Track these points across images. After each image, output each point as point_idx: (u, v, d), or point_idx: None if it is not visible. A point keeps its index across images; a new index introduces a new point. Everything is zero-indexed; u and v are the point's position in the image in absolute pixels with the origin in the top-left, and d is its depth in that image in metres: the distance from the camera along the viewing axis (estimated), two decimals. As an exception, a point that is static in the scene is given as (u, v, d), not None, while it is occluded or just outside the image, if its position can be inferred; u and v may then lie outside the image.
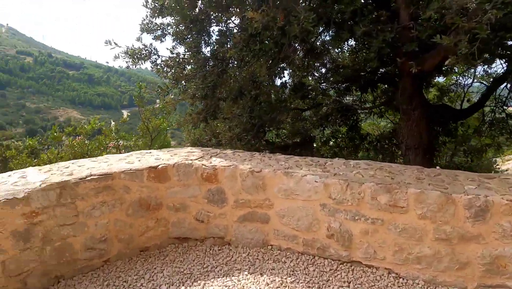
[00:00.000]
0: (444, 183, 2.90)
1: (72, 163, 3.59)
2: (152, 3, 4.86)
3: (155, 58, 5.29)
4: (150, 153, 4.07)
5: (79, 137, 8.19)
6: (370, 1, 4.99)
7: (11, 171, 3.45)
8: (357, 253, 3.12)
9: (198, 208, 3.64)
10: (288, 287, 2.92)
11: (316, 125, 7.76)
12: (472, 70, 8.00)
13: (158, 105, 9.57)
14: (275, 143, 7.24)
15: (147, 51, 5.13)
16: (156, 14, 4.97)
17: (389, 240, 2.95)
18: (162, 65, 5.31)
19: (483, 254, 2.67)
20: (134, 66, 5.04)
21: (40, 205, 2.87)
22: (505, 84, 6.89)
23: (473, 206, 2.63)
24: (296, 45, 5.05)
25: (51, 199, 2.92)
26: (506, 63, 6.08)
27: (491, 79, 7.56)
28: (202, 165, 3.54)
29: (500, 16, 2.90)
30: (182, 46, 5.37)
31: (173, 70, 5.27)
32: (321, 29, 5.32)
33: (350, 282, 2.97)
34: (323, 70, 7.34)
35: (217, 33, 5.17)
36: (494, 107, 7.69)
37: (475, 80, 8.29)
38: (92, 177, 3.14)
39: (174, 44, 5.38)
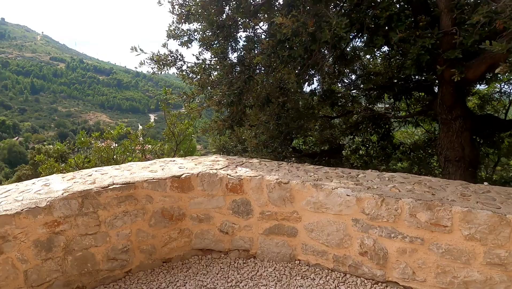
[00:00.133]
0: (496, 201, 2.64)
1: (96, 171, 3.54)
2: (179, 9, 4.84)
3: (181, 64, 5.25)
4: (174, 161, 3.98)
5: (106, 141, 8.31)
6: (407, 6, 4.72)
7: (40, 174, 3.45)
8: (393, 273, 2.92)
9: (222, 219, 3.51)
10: (318, 309, 2.73)
11: (346, 133, 7.53)
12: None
13: (183, 110, 9.57)
14: (302, 151, 7.06)
15: (172, 57, 5.10)
16: (182, 20, 4.94)
17: (430, 261, 2.74)
18: (187, 71, 5.26)
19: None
20: (159, 72, 5.02)
21: (62, 214, 2.82)
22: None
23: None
24: (326, 51, 4.86)
25: (73, 208, 2.87)
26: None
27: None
28: (227, 175, 3.42)
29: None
30: (209, 52, 5.34)
31: (198, 76, 5.21)
32: (352, 34, 5.12)
33: (386, 305, 2.75)
34: (353, 76, 7.12)
35: (244, 39, 5.11)
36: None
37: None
38: (114, 186, 3.08)
39: (200, 50, 5.36)
